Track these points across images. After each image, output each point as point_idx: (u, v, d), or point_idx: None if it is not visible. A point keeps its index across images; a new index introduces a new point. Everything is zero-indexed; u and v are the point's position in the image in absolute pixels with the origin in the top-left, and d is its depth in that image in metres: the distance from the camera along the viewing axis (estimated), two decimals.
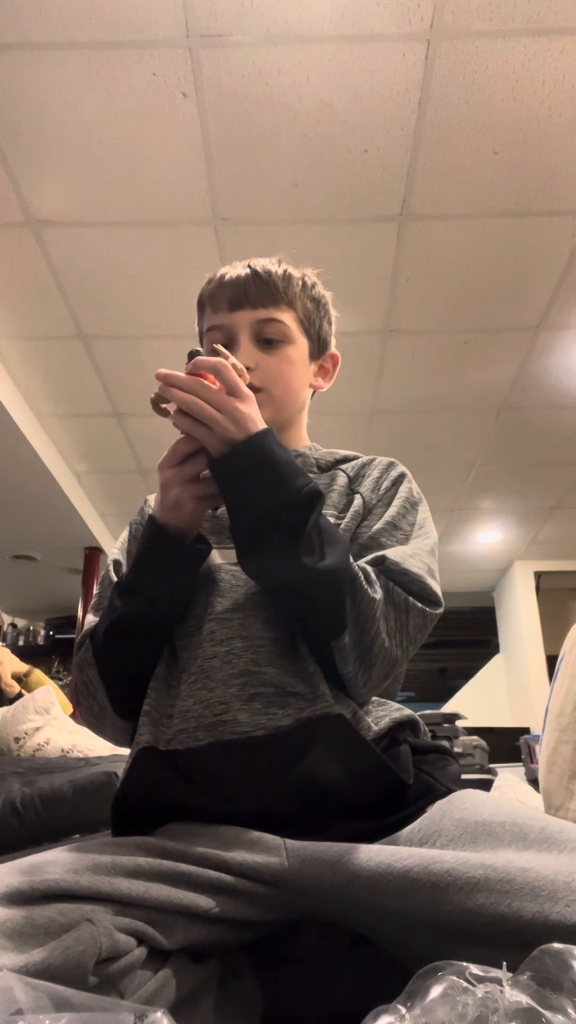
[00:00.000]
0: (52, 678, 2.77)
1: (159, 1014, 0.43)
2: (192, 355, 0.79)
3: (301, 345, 1.02)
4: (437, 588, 0.87)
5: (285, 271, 1.01)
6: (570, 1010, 0.41)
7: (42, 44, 1.99)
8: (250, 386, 0.96)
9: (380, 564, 0.84)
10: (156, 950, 0.64)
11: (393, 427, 3.86)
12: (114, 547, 1.04)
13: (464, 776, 1.16)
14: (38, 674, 2.51)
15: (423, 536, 0.93)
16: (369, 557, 0.86)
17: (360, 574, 0.81)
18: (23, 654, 4.11)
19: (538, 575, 5.88)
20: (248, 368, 0.94)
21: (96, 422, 3.80)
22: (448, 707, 5.66)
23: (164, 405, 0.81)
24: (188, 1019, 0.64)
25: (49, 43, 1.99)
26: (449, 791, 0.80)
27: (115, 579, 0.97)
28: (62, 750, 1.91)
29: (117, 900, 0.62)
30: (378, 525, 0.92)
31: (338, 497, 0.97)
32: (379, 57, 2.04)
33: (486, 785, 2.30)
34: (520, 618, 5.75)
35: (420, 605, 0.83)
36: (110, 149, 2.29)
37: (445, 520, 5.03)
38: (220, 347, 0.85)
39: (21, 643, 5.78)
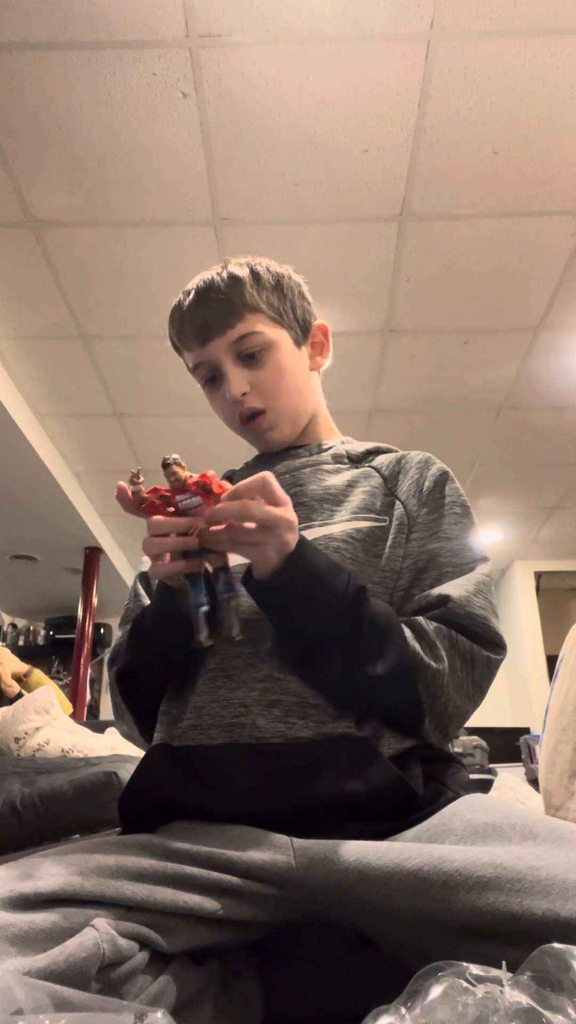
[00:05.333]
0: (52, 678, 2.77)
1: (159, 1014, 0.43)
2: (165, 462, 0.73)
3: (284, 340, 0.98)
4: (500, 629, 0.85)
5: (231, 276, 0.95)
6: (570, 1010, 0.41)
7: (42, 44, 1.99)
8: (253, 409, 0.96)
9: (444, 606, 0.83)
10: (158, 953, 0.64)
11: (393, 427, 3.86)
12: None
13: None
14: (38, 674, 2.51)
15: (480, 560, 0.90)
16: (432, 597, 0.85)
17: (419, 649, 0.80)
18: (23, 654, 4.12)
19: (538, 575, 5.88)
20: (244, 393, 0.94)
21: (96, 422, 3.80)
22: None
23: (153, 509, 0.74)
24: (189, 1021, 0.64)
25: (49, 43, 1.99)
26: (458, 796, 0.79)
27: (140, 592, 0.99)
28: (62, 750, 1.91)
29: (121, 904, 0.62)
30: (433, 544, 0.90)
31: (371, 498, 0.94)
32: (379, 57, 2.04)
33: (486, 785, 2.30)
34: (520, 618, 5.75)
35: (485, 653, 0.83)
36: (110, 149, 2.29)
37: None
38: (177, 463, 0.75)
39: (21, 643, 5.78)
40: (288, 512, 0.76)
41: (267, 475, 0.75)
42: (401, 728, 0.81)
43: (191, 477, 0.74)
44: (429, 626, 0.82)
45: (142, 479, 0.76)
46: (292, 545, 0.76)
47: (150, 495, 0.75)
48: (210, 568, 0.76)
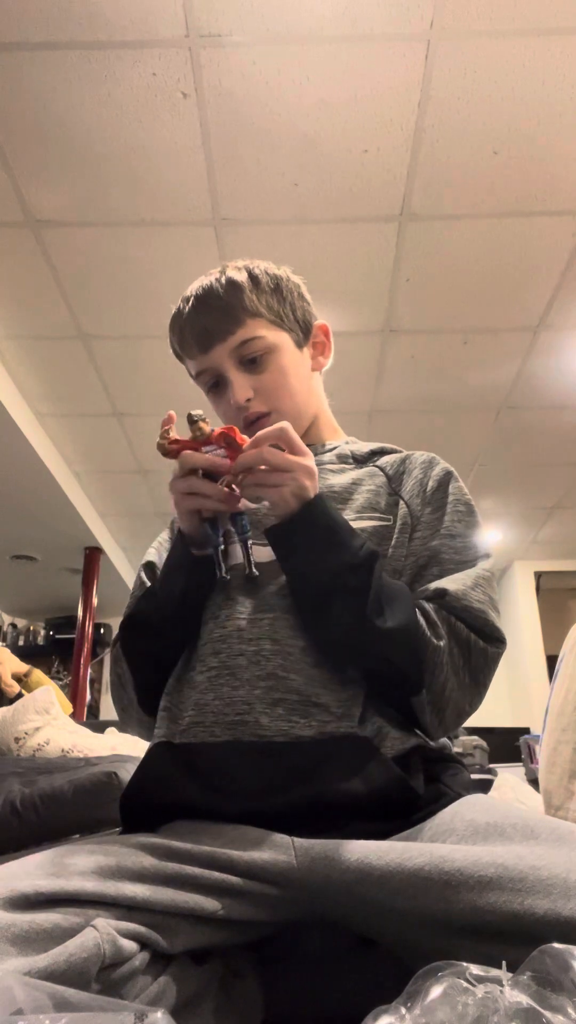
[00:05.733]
0: (52, 678, 2.77)
1: (159, 1014, 0.43)
2: (191, 418, 0.80)
3: (285, 343, 0.98)
4: (499, 622, 0.86)
5: (229, 282, 0.95)
6: (570, 1010, 0.41)
7: (42, 44, 1.99)
8: (259, 413, 0.96)
9: (441, 599, 0.84)
10: (159, 953, 0.64)
11: (393, 427, 3.86)
12: (151, 546, 1.05)
13: None
14: (38, 674, 2.51)
15: (482, 557, 0.91)
16: (430, 590, 0.85)
17: (423, 622, 0.81)
18: (23, 654, 4.11)
19: (538, 575, 5.87)
20: (248, 399, 0.95)
21: (96, 422, 3.80)
22: None
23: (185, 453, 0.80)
24: (189, 1021, 0.64)
25: (49, 43, 1.99)
26: (459, 796, 0.80)
27: (144, 580, 1.01)
28: (62, 750, 1.91)
29: (122, 904, 0.62)
30: (435, 541, 0.91)
31: (375, 497, 0.95)
32: (379, 57, 2.04)
33: (486, 785, 2.30)
34: (520, 618, 5.74)
35: (482, 644, 0.83)
36: (110, 149, 2.29)
37: None
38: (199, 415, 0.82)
39: (21, 643, 5.78)
40: (307, 460, 0.80)
41: (285, 424, 0.80)
42: (399, 692, 0.82)
43: (215, 430, 0.79)
44: (430, 607, 0.84)
45: (171, 435, 0.82)
46: (311, 492, 0.80)
47: (175, 445, 0.81)
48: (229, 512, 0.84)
